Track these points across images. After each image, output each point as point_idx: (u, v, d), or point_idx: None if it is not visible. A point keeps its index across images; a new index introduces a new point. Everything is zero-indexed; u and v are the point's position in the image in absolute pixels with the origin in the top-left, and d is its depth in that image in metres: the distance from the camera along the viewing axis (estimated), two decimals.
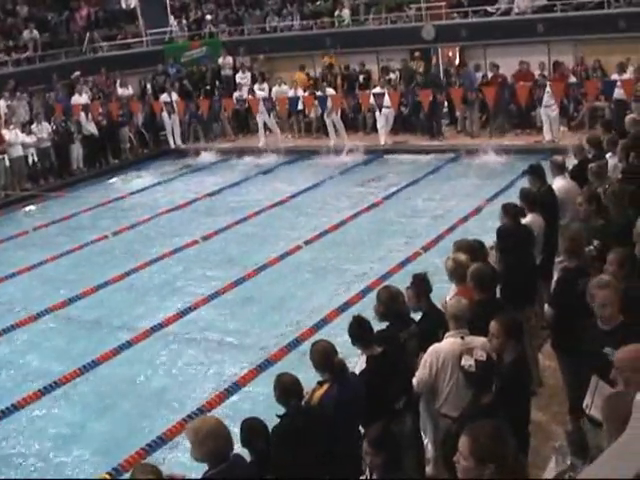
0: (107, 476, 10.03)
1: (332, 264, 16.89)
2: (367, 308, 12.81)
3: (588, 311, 7.47)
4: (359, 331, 7.95)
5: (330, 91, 27.59)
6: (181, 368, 13.08)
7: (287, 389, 7.36)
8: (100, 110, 27.60)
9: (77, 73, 30.00)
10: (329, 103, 26.95)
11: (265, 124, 28.58)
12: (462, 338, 7.84)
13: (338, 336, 12.35)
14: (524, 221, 10.88)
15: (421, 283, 8.89)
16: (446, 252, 10.37)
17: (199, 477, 6.51)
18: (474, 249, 9.63)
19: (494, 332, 7.40)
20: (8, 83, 28.05)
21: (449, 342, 7.86)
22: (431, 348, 7.89)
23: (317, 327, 13.70)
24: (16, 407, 12.00)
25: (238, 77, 30.87)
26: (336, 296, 15.04)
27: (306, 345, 13.02)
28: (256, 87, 29.36)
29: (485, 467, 5.02)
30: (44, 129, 25.71)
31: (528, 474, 7.21)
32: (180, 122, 29.44)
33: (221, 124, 30.36)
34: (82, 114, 27.14)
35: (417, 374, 7.96)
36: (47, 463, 10.80)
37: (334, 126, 27.46)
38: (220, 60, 32.40)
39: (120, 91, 29.96)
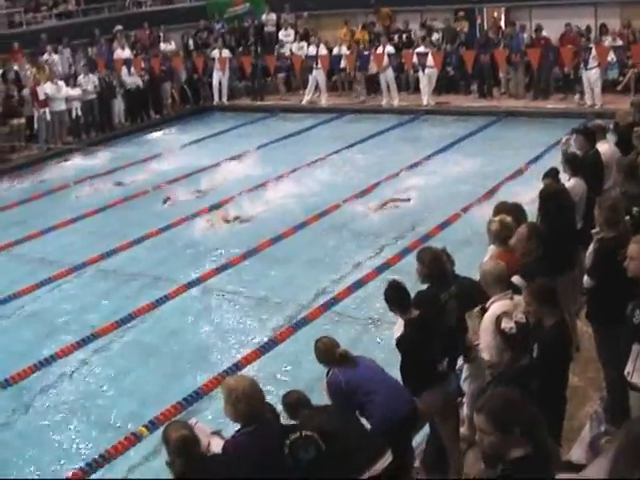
0: (144, 430, 10.11)
1: (370, 224, 16.83)
2: (404, 270, 13.11)
3: (628, 282, 7.41)
4: (395, 296, 7.94)
5: (390, 49, 27.34)
6: (217, 324, 13.12)
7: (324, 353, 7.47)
8: (142, 65, 27.61)
9: (119, 27, 29.97)
10: (385, 60, 26.76)
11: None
12: (511, 299, 7.82)
13: (374, 298, 12.50)
14: (567, 185, 10.78)
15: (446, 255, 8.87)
16: (483, 216, 10.30)
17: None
18: (516, 212, 9.58)
19: (527, 300, 7.36)
20: (50, 37, 28.11)
21: (503, 304, 7.78)
22: (490, 313, 7.82)
23: (354, 288, 13.70)
24: (54, 358, 12.11)
25: (281, 34, 30.77)
26: (375, 256, 14.99)
27: (342, 305, 13.16)
28: (298, 45, 29.24)
29: (511, 434, 4.99)
30: (90, 81, 25.78)
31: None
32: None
33: (272, 81, 30.23)
34: (124, 69, 27.19)
35: (485, 343, 7.84)
36: (83, 414, 10.92)
37: (387, 85, 27.28)
38: (263, 17, 32.28)
39: (163, 46, 29.94)
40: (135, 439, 9.99)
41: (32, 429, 10.68)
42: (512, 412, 5.04)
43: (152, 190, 20.20)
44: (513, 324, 7.06)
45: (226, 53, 29.24)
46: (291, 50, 29.47)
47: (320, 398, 7.66)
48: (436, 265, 8.38)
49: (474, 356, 8.15)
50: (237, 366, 11.37)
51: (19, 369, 11.80)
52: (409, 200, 17.92)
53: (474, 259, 9.47)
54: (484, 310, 7.97)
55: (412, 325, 7.78)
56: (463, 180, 19.05)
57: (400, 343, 7.82)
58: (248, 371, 10.97)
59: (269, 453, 6.43)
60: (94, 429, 10.57)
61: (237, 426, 6.58)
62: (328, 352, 7.52)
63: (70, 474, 9.44)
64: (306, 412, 7.13)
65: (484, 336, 7.78)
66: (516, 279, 8.30)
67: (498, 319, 7.28)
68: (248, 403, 6.40)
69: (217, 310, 13.61)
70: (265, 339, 12.28)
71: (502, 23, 28.92)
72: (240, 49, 30.53)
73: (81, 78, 25.72)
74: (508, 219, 9.16)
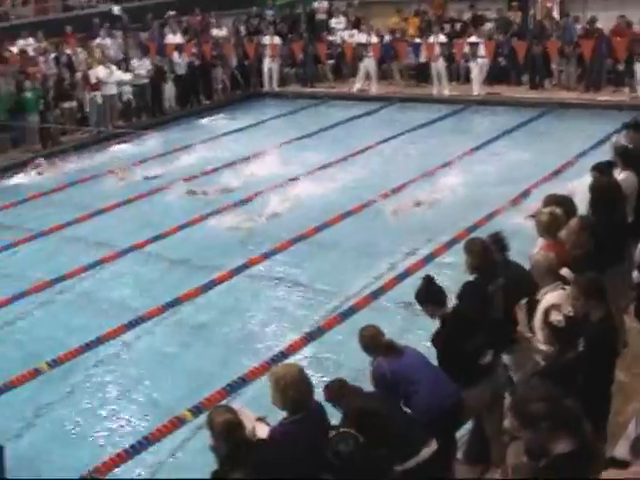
0: (189, 414, 10.17)
1: (418, 215, 16.77)
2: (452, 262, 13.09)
3: None
4: (428, 292, 7.90)
5: (442, 38, 27.22)
6: (264, 311, 13.14)
7: (369, 342, 7.45)
8: (193, 50, 27.70)
9: (171, 12, 30.09)
10: (437, 50, 26.63)
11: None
12: (563, 289, 7.75)
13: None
14: (618, 178, 10.67)
15: (498, 242, 8.78)
16: (531, 208, 10.22)
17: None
18: (567, 204, 9.49)
19: (574, 294, 7.29)
20: (103, 21, 28.31)
21: (558, 295, 7.70)
22: (543, 305, 7.76)
23: (400, 278, 13.67)
24: (101, 340, 12.22)
25: (333, 22, 30.78)
26: (422, 246, 14.95)
27: (389, 294, 13.14)
28: (349, 32, 29.22)
29: (538, 428, 4.97)
30: (143, 66, 25.95)
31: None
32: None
33: (321, 68, 30.20)
34: (175, 53, 27.32)
35: (539, 333, 7.78)
36: (128, 397, 11.02)
37: (438, 74, 27.17)
38: (315, 4, 32.26)
39: (214, 32, 30.03)
40: (179, 423, 10.05)
41: (78, 410, 10.77)
42: (537, 407, 5.02)
43: (200, 176, 20.24)
44: (562, 317, 7.01)
45: (277, 40, 29.28)
46: (342, 38, 29.44)
47: (365, 387, 7.64)
48: (484, 256, 8.31)
49: (518, 347, 8.12)
50: (283, 353, 11.39)
51: (67, 350, 11.93)
52: (456, 192, 17.80)
53: (522, 250, 9.36)
54: (531, 302, 7.92)
55: (446, 321, 7.75)
56: (512, 171, 18.91)
57: (434, 341, 7.80)
58: (294, 358, 10.99)
59: (315, 442, 6.45)
60: (138, 412, 10.64)
61: (282, 414, 6.60)
62: (373, 341, 7.49)
63: (114, 455, 9.52)
64: (351, 395, 7.14)
65: (539, 327, 7.73)
66: (565, 272, 8.21)
67: (547, 312, 7.22)
68: (295, 391, 6.43)
69: (263, 297, 13.63)
70: (311, 327, 12.28)
71: (555, 14, 28.64)
72: (291, 36, 30.50)
73: (134, 62, 25.90)
74: (558, 211, 9.06)
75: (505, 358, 8.37)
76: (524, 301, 8.02)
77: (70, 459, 9.66)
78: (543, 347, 7.60)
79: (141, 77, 25.96)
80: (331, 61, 29.85)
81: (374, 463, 6.74)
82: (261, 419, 7.00)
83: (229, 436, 6.19)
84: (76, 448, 9.95)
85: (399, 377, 7.32)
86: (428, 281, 7.93)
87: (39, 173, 19.96)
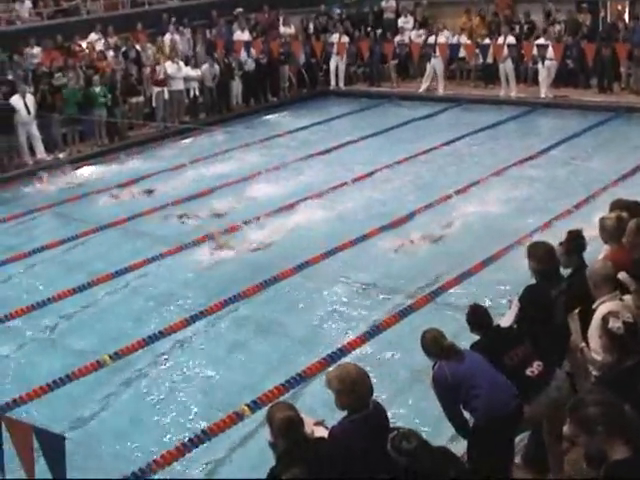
0: (247, 409, 10.22)
1: (483, 215, 16.65)
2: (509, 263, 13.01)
3: None
4: (475, 318, 7.85)
5: (510, 39, 27.03)
6: (324, 308, 13.16)
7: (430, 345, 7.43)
8: (261, 47, 27.80)
9: (240, 10, 30.21)
10: (505, 51, 26.48)
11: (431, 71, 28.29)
12: (621, 299, 7.63)
13: (482, 288, 12.46)
14: None
15: (576, 239, 8.68)
16: (594, 213, 10.09)
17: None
18: (634, 209, 9.32)
19: (637, 301, 7.17)
20: (171, 17, 28.53)
21: (612, 305, 7.53)
22: (599, 313, 7.60)
23: (461, 278, 13.61)
24: (162, 333, 12.35)
25: (400, 21, 30.68)
26: (484, 248, 14.85)
27: (448, 295, 13.08)
28: (416, 32, 29.15)
29: (595, 433, 4.92)
30: (210, 72, 26.10)
31: None
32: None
33: (386, 68, 30.13)
34: (243, 51, 27.43)
35: (595, 343, 7.57)
36: (187, 390, 11.09)
37: (506, 75, 26.99)
38: (383, 3, 32.20)
39: (282, 30, 30.11)
40: (237, 418, 10.10)
41: (138, 402, 10.91)
42: (593, 410, 4.96)
43: (264, 172, 20.33)
44: (621, 324, 6.90)
45: (344, 38, 29.27)
46: (410, 37, 29.36)
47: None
48: (547, 260, 8.23)
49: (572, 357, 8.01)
50: (342, 351, 11.40)
51: (128, 343, 12.07)
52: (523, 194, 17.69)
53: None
54: (583, 313, 7.80)
55: (486, 338, 7.73)
56: (576, 176, 18.74)
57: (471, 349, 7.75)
58: (352, 357, 10.99)
59: (375, 440, 6.42)
60: (197, 405, 10.71)
61: (339, 416, 6.60)
62: (435, 344, 7.43)
63: (173, 449, 9.59)
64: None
65: (594, 336, 7.56)
66: (622, 275, 8.03)
67: (605, 318, 7.11)
68: (355, 391, 6.43)
69: (322, 295, 13.64)
70: (370, 326, 12.26)
71: (626, 17, 28.27)
72: (358, 35, 30.45)
73: (204, 68, 26.05)
74: (624, 215, 8.89)
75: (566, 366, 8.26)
76: (575, 311, 7.90)
77: (129, 451, 9.77)
78: (598, 357, 7.46)
79: (207, 80, 26.12)
80: (394, 61, 29.67)
81: (437, 461, 6.73)
82: (319, 423, 7.02)
83: (289, 433, 6.20)
84: (135, 440, 10.04)
85: (460, 381, 7.25)
86: (474, 308, 7.90)
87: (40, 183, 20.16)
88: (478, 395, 7.21)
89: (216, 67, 26.33)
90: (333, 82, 29.79)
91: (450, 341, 7.41)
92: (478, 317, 7.80)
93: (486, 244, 14.94)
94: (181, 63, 25.54)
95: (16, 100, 21.64)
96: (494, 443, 7.14)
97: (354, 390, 6.43)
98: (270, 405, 6.72)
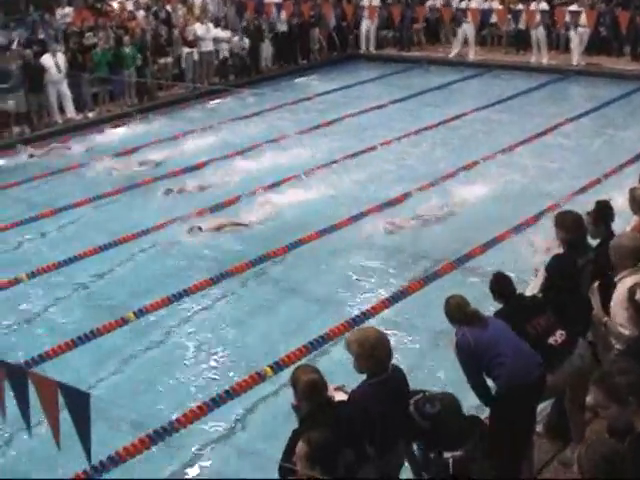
0: (269, 369, 10.28)
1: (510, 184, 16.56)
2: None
3: None
4: (498, 287, 7.83)
5: (543, 5, 26.77)
6: (348, 272, 13.13)
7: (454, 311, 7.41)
8: (292, 10, 27.66)
9: None
10: (537, 17, 26.23)
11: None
12: None
13: (509, 255, 12.44)
14: None
15: (604, 209, 8.61)
16: (624, 183, 10.03)
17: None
18: None
19: None
20: None
21: (636, 279, 7.38)
22: (624, 286, 7.51)
23: (487, 245, 13.59)
24: (187, 292, 12.46)
25: None
26: (511, 216, 14.77)
27: (475, 261, 13.06)
28: None
29: (627, 403, 4.90)
30: (238, 44, 26.05)
31: None
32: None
33: (415, 32, 29.92)
34: (274, 12, 27.31)
35: (621, 316, 7.48)
36: (211, 350, 11.15)
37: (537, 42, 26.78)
38: None
39: None
40: (259, 378, 10.17)
41: (160, 361, 10.99)
42: (625, 379, 4.93)
43: (293, 135, 20.33)
44: None
45: (376, 2, 29.06)
46: (441, 2, 29.10)
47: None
48: (575, 230, 8.17)
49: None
50: (365, 314, 11.44)
51: (152, 301, 12.16)
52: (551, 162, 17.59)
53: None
54: (603, 286, 7.73)
55: (507, 307, 7.71)
56: (607, 145, 18.67)
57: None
58: (375, 321, 11.01)
59: (394, 404, 6.47)
60: (220, 365, 10.78)
61: (359, 381, 6.62)
62: (458, 310, 7.40)
63: (195, 407, 9.67)
64: None
65: (619, 309, 7.48)
66: None
67: (632, 290, 7.05)
68: (374, 355, 6.43)
69: (348, 258, 13.62)
70: (394, 290, 12.26)
71: None
72: None
73: (234, 40, 25.99)
74: None
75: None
76: (595, 284, 7.83)
77: (151, 409, 9.83)
78: (625, 331, 7.37)
79: (235, 46, 26.08)
80: (421, 24, 29.40)
81: (459, 426, 6.77)
82: (339, 388, 7.04)
83: (313, 395, 6.23)
84: (157, 398, 10.12)
85: (483, 347, 7.22)
86: (498, 277, 7.87)
87: (30, 155, 19.74)
88: (502, 363, 7.18)
89: (245, 40, 26.27)
90: (363, 46, 29.63)
91: (474, 308, 7.38)
92: (501, 285, 7.77)
93: (514, 211, 14.89)
94: (210, 25, 25.47)
95: (47, 59, 21.67)
96: (516, 411, 7.13)
97: (373, 355, 6.43)
98: (295, 367, 6.72)
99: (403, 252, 13.76)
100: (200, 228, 14.65)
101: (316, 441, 5.66)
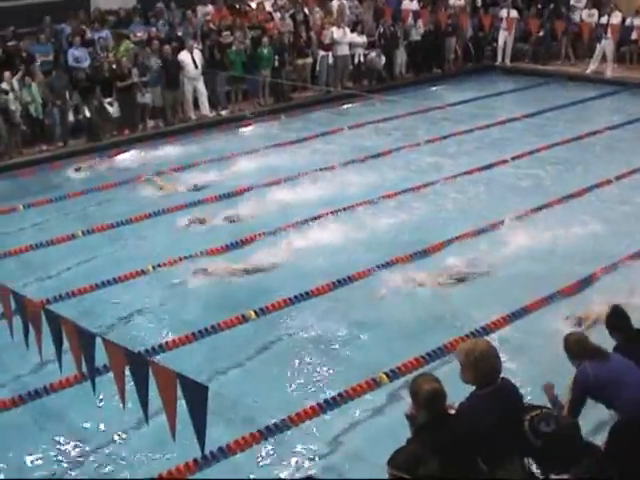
0: (385, 377, 10.31)
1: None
2: None
3: None
4: (613, 321, 7.77)
5: None
6: (473, 286, 12.96)
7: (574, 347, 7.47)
8: (428, 18, 27.58)
9: None
10: None
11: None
12: None
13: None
14: None
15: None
16: None
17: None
18: None
19: None
20: None
21: None
22: None
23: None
24: (309, 294, 12.62)
25: (573, 0, 29.92)
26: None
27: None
28: (589, 12, 28.42)
29: None
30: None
31: None
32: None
33: (558, 45, 29.49)
34: (410, 20, 27.28)
35: None
36: (328, 352, 11.24)
37: None
38: None
39: (451, 1, 29.76)
40: (374, 384, 10.22)
41: (279, 359, 11.13)
42: None
43: (423, 143, 20.48)
44: None
45: (514, 13, 28.75)
46: (581, 16, 28.63)
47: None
48: None
49: None
50: (485, 329, 11.36)
51: (274, 301, 12.35)
52: None
53: None
54: None
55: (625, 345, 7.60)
56: None
57: None
58: (493, 337, 10.87)
59: (504, 417, 6.43)
60: (336, 367, 10.85)
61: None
62: (578, 346, 7.45)
63: (308, 407, 9.78)
64: None
65: None
66: None
67: None
68: (485, 365, 6.43)
69: (474, 278, 13.27)
70: (515, 308, 12.06)
71: None
72: (528, 11, 29.88)
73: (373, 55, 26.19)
74: None
75: None
76: None
77: (267, 405, 9.96)
78: None
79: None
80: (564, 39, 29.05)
81: (573, 447, 6.71)
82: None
83: (433, 405, 6.21)
84: (273, 395, 10.25)
85: (603, 382, 7.29)
86: (614, 309, 7.81)
87: (76, 170, 19.39)
88: (622, 395, 7.17)
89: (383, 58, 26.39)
90: (499, 57, 29.33)
91: (594, 343, 7.39)
92: (617, 319, 7.73)
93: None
94: (347, 29, 25.60)
95: (184, 55, 22.16)
96: (635, 442, 7.06)
97: (477, 367, 6.42)
98: (415, 376, 6.67)
99: (528, 276, 13.20)
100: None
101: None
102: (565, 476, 6.77)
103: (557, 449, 6.64)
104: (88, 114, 21.16)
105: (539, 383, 8.17)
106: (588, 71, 27.72)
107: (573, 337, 7.53)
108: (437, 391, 6.22)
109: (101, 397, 9.67)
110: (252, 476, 8.84)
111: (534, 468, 6.89)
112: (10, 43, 21.59)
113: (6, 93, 19.22)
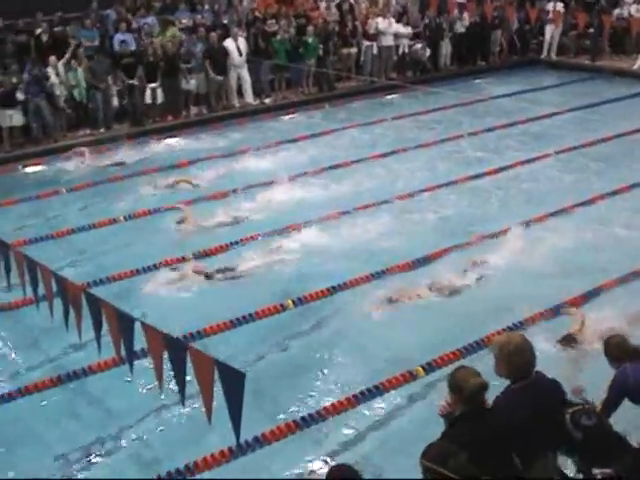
0: (421, 370, 10.31)
1: None
2: None
3: None
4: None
5: None
6: (515, 282, 12.82)
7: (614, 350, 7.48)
8: (475, 10, 27.42)
9: None
10: None
11: None
12: None
13: None
14: None
15: None
16: None
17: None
18: None
19: None
20: None
21: None
22: None
23: None
24: (346, 287, 12.61)
25: None
26: None
27: None
28: (637, 7, 28.12)
29: None
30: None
31: None
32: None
33: (595, 41, 29.23)
34: (456, 11, 27.15)
35: None
36: (363, 345, 11.22)
37: None
38: None
39: None
40: (410, 377, 10.21)
41: (315, 349, 11.13)
42: None
43: (466, 136, 20.42)
44: None
45: (560, 7, 28.50)
46: (629, 11, 28.33)
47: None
48: None
49: None
50: (522, 323, 11.29)
51: (312, 291, 12.39)
52: None
53: None
54: None
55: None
56: None
57: None
58: (530, 332, 10.77)
59: (538, 410, 6.37)
60: (372, 360, 10.81)
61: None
62: (619, 349, 7.44)
63: (343, 399, 9.79)
64: None
65: None
66: None
67: None
68: (519, 358, 6.39)
69: (518, 272, 13.13)
70: (556, 303, 11.96)
71: None
72: (575, 4, 29.59)
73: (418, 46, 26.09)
74: None
75: None
76: None
77: (299, 395, 10.03)
78: None
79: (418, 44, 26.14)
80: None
81: (614, 442, 6.69)
82: None
83: (476, 399, 6.17)
84: (309, 385, 10.27)
85: None
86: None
87: (82, 162, 19.05)
88: None
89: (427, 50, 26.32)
90: (545, 51, 29.08)
91: (636, 345, 7.36)
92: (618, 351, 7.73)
93: None
94: (392, 19, 25.53)
95: (229, 43, 22.22)
96: None
97: (511, 360, 6.37)
98: (455, 369, 6.52)
99: (571, 268, 13.22)
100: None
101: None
102: (607, 470, 6.75)
103: (598, 442, 6.66)
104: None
105: None
106: (635, 67, 27.41)
107: (614, 340, 7.51)
108: (483, 385, 6.18)
109: (139, 382, 9.74)
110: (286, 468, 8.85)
111: (574, 463, 6.91)
112: (57, 28, 21.75)
113: (47, 79, 19.40)
